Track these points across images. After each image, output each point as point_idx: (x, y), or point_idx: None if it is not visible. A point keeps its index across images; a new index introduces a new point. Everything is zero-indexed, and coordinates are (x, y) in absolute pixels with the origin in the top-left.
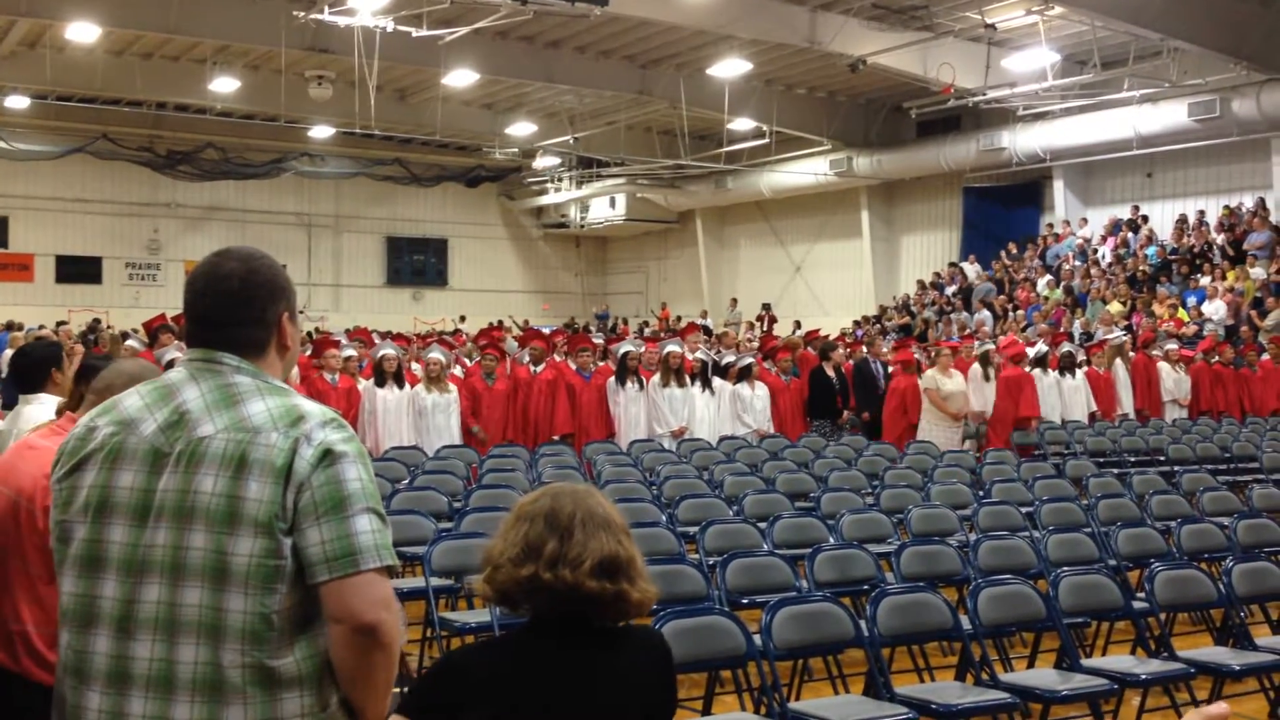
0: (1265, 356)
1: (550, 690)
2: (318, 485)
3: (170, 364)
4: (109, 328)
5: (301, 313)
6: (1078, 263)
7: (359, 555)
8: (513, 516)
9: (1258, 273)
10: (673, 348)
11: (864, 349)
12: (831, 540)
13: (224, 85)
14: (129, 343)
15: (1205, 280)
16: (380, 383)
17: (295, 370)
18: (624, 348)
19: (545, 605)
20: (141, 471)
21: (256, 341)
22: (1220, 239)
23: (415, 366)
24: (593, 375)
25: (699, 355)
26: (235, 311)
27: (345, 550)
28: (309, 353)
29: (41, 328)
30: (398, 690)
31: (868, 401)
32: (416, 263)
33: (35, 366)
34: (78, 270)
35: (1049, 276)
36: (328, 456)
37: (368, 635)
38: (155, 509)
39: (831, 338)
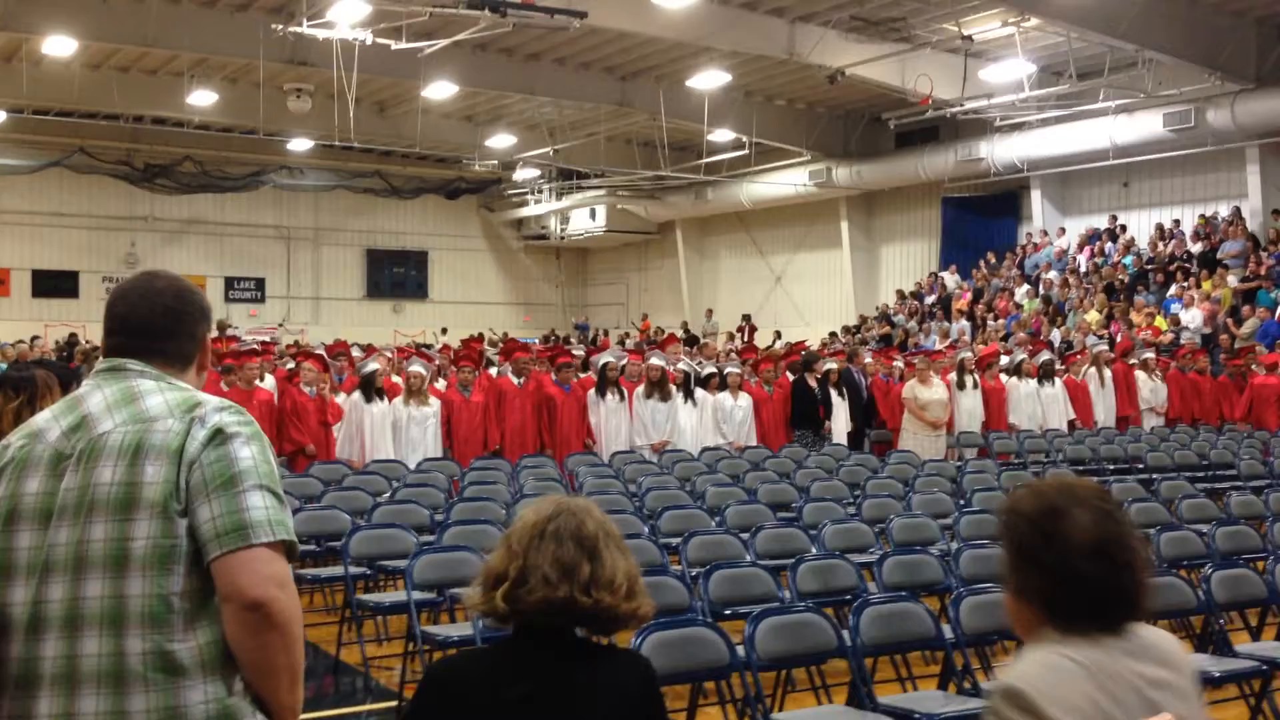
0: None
1: (550, 699)
2: (208, 463)
3: None
4: (86, 342)
5: (281, 325)
6: (1055, 272)
7: (249, 529)
8: (529, 533)
9: (1231, 280)
10: (654, 360)
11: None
12: (814, 550)
13: (202, 98)
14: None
15: (1182, 288)
16: (369, 398)
17: (272, 381)
18: (604, 359)
19: (543, 619)
20: (46, 476)
21: (186, 355)
22: (1197, 248)
23: (395, 378)
24: (572, 388)
25: (681, 366)
26: (170, 326)
27: (235, 525)
28: (289, 366)
29: (20, 342)
30: (390, 705)
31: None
32: (397, 275)
33: None
34: (54, 284)
35: (1027, 286)
36: (219, 435)
37: (256, 612)
38: (58, 509)
39: (814, 349)
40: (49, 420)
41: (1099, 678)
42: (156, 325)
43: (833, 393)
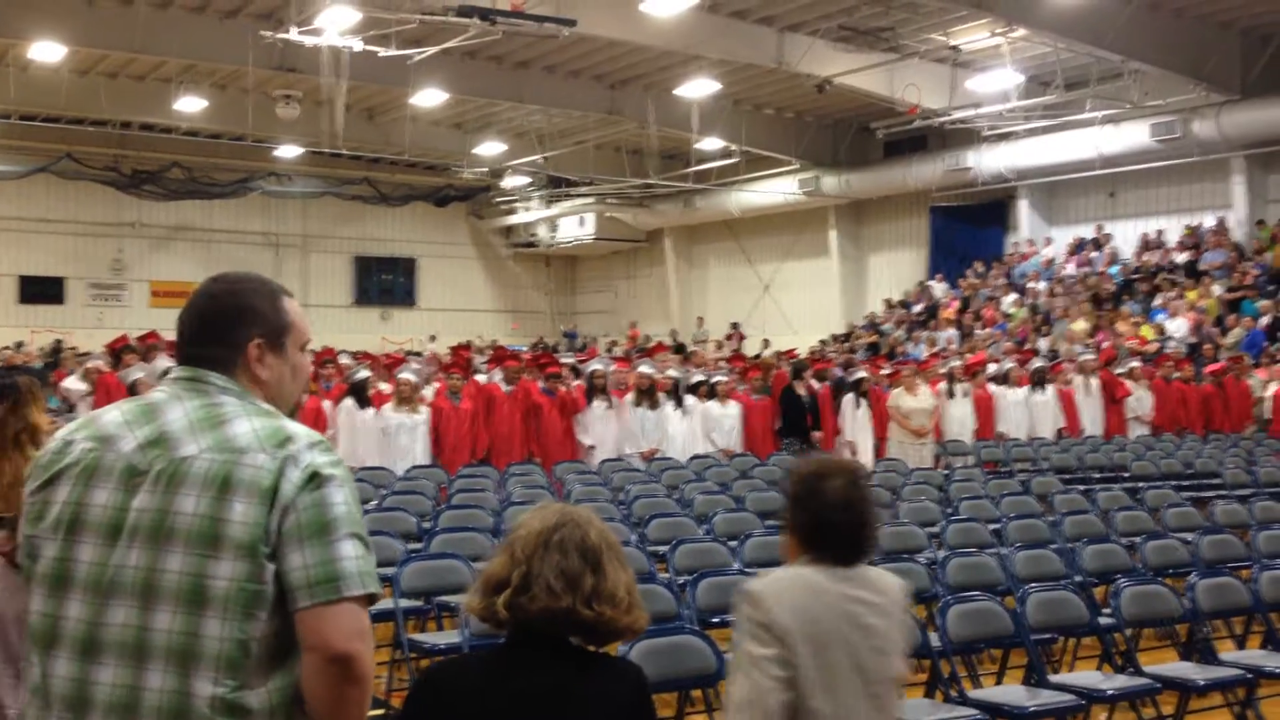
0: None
1: (542, 705)
2: (303, 508)
3: (133, 385)
4: (72, 348)
5: None
6: (1042, 281)
7: (341, 581)
8: (534, 541)
9: (1216, 290)
10: (642, 369)
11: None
12: None
13: (190, 104)
14: (93, 362)
15: (1167, 297)
16: (362, 404)
17: None
18: (592, 366)
19: (542, 627)
20: (117, 490)
21: (224, 361)
22: (1182, 258)
23: (384, 385)
24: (559, 395)
25: (671, 374)
26: (203, 332)
27: (328, 575)
28: None
29: (5, 348)
30: (377, 714)
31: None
32: (385, 282)
33: None
34: (40, 291)
35: (1014, 295)
36: (315, 479)
37: (341, 666)
38: (128, 528)
39: (803, 357)
40: (120, 426)
41: (817, 591)
42: (192, 332)
43: (863, 404)
